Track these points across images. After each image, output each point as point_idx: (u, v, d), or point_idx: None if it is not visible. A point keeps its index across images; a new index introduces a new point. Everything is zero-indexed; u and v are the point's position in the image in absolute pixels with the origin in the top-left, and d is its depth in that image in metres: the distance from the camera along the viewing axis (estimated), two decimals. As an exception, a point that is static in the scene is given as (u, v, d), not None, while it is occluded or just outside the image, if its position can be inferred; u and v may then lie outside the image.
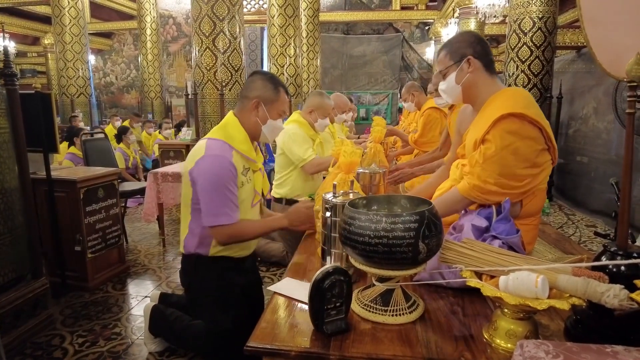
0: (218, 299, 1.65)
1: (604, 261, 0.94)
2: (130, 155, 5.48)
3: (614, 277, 0.90)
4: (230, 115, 1.68)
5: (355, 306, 1.10)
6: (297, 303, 1.17)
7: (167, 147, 4.85)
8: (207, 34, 4.63)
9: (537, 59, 4.23)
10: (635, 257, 0.92)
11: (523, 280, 0.87)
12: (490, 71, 1.44)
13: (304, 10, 9.53)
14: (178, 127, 7.27)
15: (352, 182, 1.35)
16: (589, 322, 0.97)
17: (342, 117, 3.68)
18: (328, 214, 1.26)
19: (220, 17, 4.59)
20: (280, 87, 1.67)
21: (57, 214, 2.59)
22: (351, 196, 1.29)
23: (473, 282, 0.94)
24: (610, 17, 0.85)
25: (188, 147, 4.82)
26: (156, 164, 5.56)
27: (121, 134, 5.49)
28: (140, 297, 2.62)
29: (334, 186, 1.29)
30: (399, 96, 12.24)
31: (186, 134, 4.96)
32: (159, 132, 7.04)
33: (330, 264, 1.30)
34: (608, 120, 5.21)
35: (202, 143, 1.59)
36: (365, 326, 1.04)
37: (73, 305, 2.50)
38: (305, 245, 1.70)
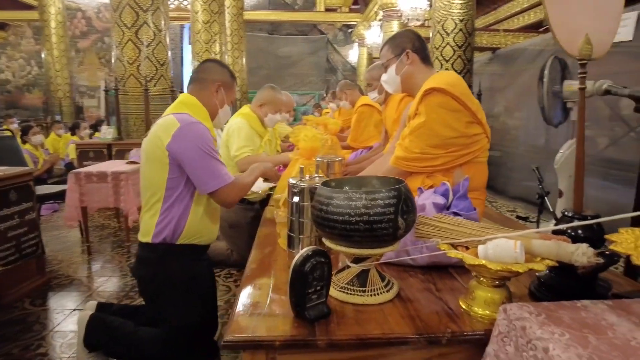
0: (187, 292, 1.56)
1: (566, 224, 1.01)
2: (40, 157, 4.91)
3: (574, 240, 0.97)
4: (186, 95, 1.63)
5: (331, 290, 1.07)
6: (268, 292, 1.11)
7: (86, 147, 4.43)
8: (129, 25, 4.29)
9: (459, 58, 4.55)
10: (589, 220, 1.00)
11: (503, 247, 0.90)
12: (426, 64, 1.59)
13: (227, 8, 9.30)
14: (95, 128, 6.67)
15: (317, 166, 1.32)
16: (551, 284, 1.04)
17: (286, 116, 3.65)
18: (296, 198, 1.22)
19: (144, 8, 4.29)
20: (234, 76, 1.76)
21: (-42, 222, 2.22)
22: (317, 180, 1.26)
23: (453, 253, 0.96)
24: (568, -3, 0.92)
25: (110, 147, 4.44)
26: (70, 167, 5.04)
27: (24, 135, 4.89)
28: (68, 311, 2.34)
29: (301, 170, 1.25)
30: (324, 96, 12.43)
31: (107, 132, 4.55)
32: (74, 134, 6.42)
33: (300, 250, 1.25)
34: (516, 117, 5.76)
35: (168, 118, 1.53)
36: (345, 309, 1.01)
37: (-17, 327, 2.16)
38: (261, 241, 1.62)
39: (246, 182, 1.66)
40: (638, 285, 1.21)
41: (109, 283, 2.70)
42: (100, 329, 1.67)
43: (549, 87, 1.59)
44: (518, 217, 3.71)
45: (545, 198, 2.37)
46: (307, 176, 1.27)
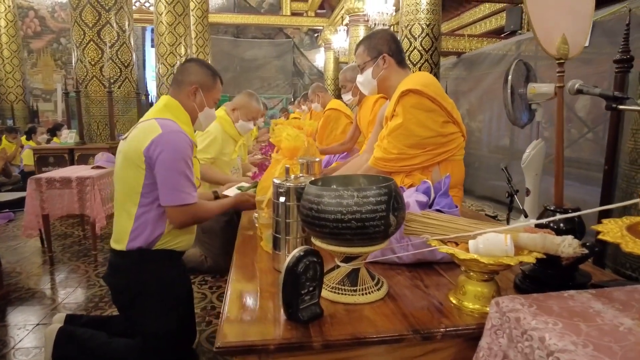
0: (163, 299, 1.50)
1: (547, 219, 1.04)
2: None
3: (557, 232, 1.00)
4: (169, 98, 1.57)
5: (322, 291, 1.06)
6: (255, 295, 1.08)
7: (45, 153, 4.20)
8: (90, 25, 4.12)
9: (426, 62, 4.66)
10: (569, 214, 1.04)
11: (493, 241, 0.92)
12: (402, 66, 1.61)
13: (192, 10, 9.15)
14: (52, 132, 6.34)
15: (302, 165, 1.31)
16: (535, 276, 1.07)
17: (260, 122, 3.62)
18: (282, 199, 1.19)
19: (106, 7, 4.14)
20: (216, 75, 1.67)
21: None
22: (302, 179, 1.24)
23: (444, 248, 0.97)
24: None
25: (72, 152, 4.24)
26: (25, 174, 4.78)
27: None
28: (31, 326, 2.19)
29: (287, 170, 1.23)
30: (292, 100, 12.44)
31: (68, 137, 4.34)
32: (31, 139, 6.08)
33: (286, 252, 1.23)
34: (479, 120, 5.96)
35: (150, 123, 1.48)
36: (336, 309, 1.00)
37: None
38: (241, 245, 1.58)
39: (208, 209, 1.60)
40: (610, 275, 1.26)
41: (75, 294, 2.56)
42: (70, 342, 1.58)
43: (514, 89, 1.65)
44: (487, 215, 3.83)
45: (515, 196, 2.46)
46: (292, 176, 1.25)
